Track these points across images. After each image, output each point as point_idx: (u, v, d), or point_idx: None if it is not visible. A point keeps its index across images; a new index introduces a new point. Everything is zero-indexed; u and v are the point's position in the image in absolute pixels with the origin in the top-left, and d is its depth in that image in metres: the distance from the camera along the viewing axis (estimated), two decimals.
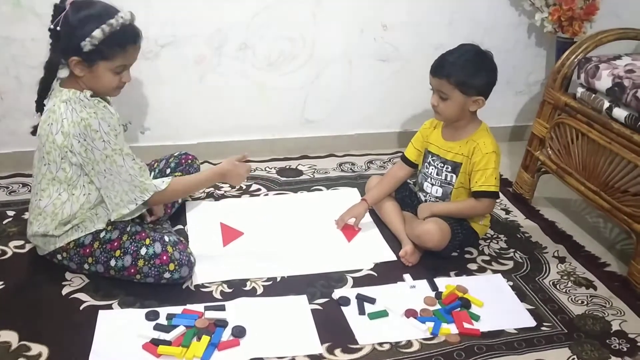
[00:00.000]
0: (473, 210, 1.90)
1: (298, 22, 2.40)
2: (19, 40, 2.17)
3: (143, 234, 1.70)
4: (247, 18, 2.34)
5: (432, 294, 1.74)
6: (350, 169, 2.52)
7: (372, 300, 1.69)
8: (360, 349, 1.53)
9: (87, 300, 1.65)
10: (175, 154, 2.11)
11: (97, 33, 1.51)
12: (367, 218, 2.08)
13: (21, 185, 2.23)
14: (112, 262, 1.67)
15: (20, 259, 1.82)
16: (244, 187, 2.31)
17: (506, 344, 1.57)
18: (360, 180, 2.36)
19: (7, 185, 2.24)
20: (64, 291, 1.68)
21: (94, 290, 1.68)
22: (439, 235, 1.82)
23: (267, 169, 2.48)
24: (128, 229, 1.72)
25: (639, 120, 1.81)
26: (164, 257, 1.66)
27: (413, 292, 1.75)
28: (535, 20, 2.52)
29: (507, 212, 2.22)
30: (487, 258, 1.94)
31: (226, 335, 1.54)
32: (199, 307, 1.63)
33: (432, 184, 1.96)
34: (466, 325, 1.62)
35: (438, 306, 1.69)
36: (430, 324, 1.61)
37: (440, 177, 1.94)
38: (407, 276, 1.82)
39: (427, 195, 1.99)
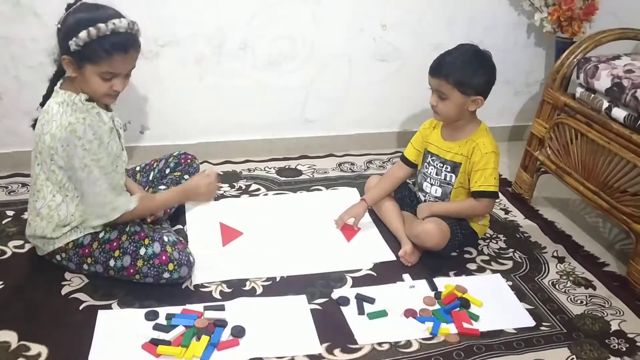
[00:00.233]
0: (472, 210, 1.90)
1: (298, 21, 2.40)
2: (18, 40, 2.17)
3: (142, 234, 1.70)
4: (247, 18, 2.34)
5: (432, 293, 1.74)
6: (350, 168, 2.52)
7: (371, 300, 1.69)
8: (359, 349, 1.53)
9: (87, 300, 1.65)
10: (175, 154, 2.11)
11: (83, 34, 1.48)
12: (367, 218, 2.08)
13: (20, 185, 2.23)
14: (112, 263, 1.67)
15: (19, 259, 1.82)
16: (244, 187, 2.31)
17: (505, 344, 1.57)
18: (360, 180, 2.36)
19: (7, 185, 2.24)
20: (64, 291, 1.68)
21: (94, 290, 1.68)
22: (439, 235, 1.82)
23: (267, 168, 2.48)
24: (127, 229, 1.72)
25: (638, 120, 1.81)
26: (163, 257, 1.66)
27: (412, 292, 1.75)
28: (534, 20, 2.52)
29: (507, 212, 2.22)
30: (487, 258, 1.94)
31: (225, 335, 1.54)
32: (198, 307, 1.63)
33: (432, 184, 1.96)
34: (465, 325, 1.62)
35: (437, 306, 1.69)
36: (430, 324, 1.61)
37: (439, 177, 1.94)
38: (406, 276, 1.82)
39: (427, 195, 1.99)
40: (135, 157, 2.41)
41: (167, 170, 2.07)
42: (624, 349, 1.57)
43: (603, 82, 1.95)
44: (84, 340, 1.50)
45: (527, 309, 1.70)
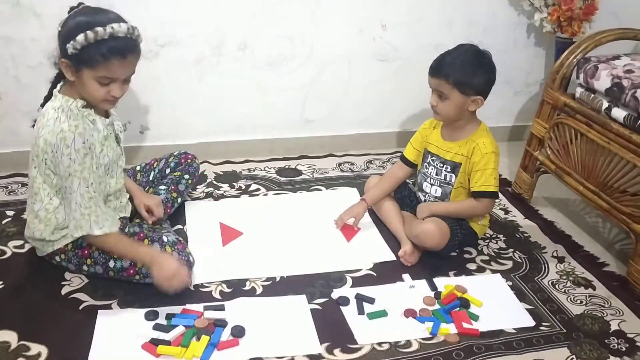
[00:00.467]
0: (472, 210, 1.90)
1: (297, 22, 2.40)
2: (18, 40, 2.17)
3: (142, 235, 1.70)
4: (247, 18, 2.34)
5: (431, 293, 1.74)
6: (350, 168, 2.52)
7: (371, 300, 1.69)
8: (359, 349, 1.53)
9: (87, 300, 1.65)
10: (175, 153, 2.11)
11: (80, 38, 1.47)
12: (367, 218, 2.08)
13: (20, 185, 2.23)
14: (111, 263, 1.67)
15: (19, 259, 1.81)
16: (244, 187, 2.31)
17: (505, 344, 1.57)
18: (360, 180, 2.36)
19: (7, 185, 2.24)
20: (64, 291, 1.68)
21: (94, 290, 1.68)
22: (438, 235, 1.82)
23: (267, 168, 2.48)
24: (127, 229, 1.72)
25: (637, 120, 1.81)
26: None
27: (412, 292, 1.75)
28: (534, 21, 2.52)
29: (506, 212, 2.22)
30: (486, 258, 1.94)
31: (225, 335, 1.54)
32: (198, 307, 1.63)
33: (432, 184, 1.96)
34: (465, 325, 1.62)
35: (437, 306, 1.70)
36: (430, 324, 1.61)
37: (439, 177, 1.94)
38: (406, 276, 1.82)
39: (427, 195, 1.99)
40: (135, 157, 2.41)
41: (167, 170, 2.07)
42: (624, 349, 1.57)
43: (603, 82, 1.95)
44: (84, 340, 1.50)
45: (527, 309, 1.70)
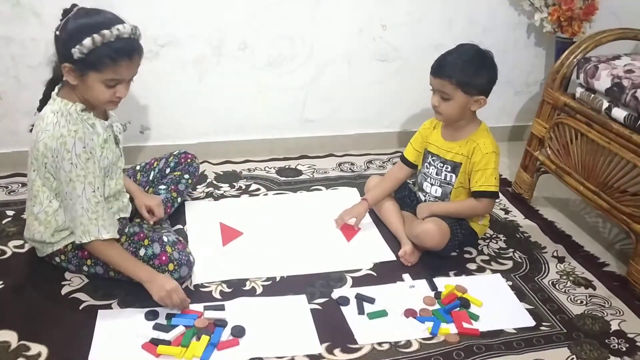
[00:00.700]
0: (472, 210, 1.90)
1: (297, 22, 2.40)
2: (18, 40, 2.16)
3: (141, 235, 1.70)
4: (247, 18, 2.34)
5: (432, 293, 1.74)
6: (350, 168, 2.52)
7: (371, 300, 1.69)
8: (359, 349, 1.53)
9: (87, 300, 1.65)
10: (175, 153, 2.10)
11: (87, 42, 1.45)
12: (367, 218, 2.08)
13: (20, 185, 2.23)
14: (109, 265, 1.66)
15: (19, 259, 1.81)
16: (244, 187, 2.31)
17: (505, 344, 1.57)
18: (360, 180, 2.36)
19: (7, 184, 2.24)
20: (64, 291, 1.68)
21: (94, 290, 1.68)
22: (438, 235, 1.82)
23: (267, 168, 2.48)
24: (126, 230, 1.72)
25: (638, 120, 1.81)
26: (163, 257, 1.66)
27: (412, 291, 1.75)
28: (534, 21, 2.52)
29: (507, 211, 2.22)
30: (487, 258, 1.94)
31: (225, 335, 1.54)
32: (198, 307, 1.63)
33: (432, 184, 1.96)
34: (465, 325, 1.62)
35: (437, 306, 1.69)
36: (430, 324, 1.61)
37: (439, 177, 1.94)
38: (406, 276, 1.82)
39: (427, 195, 1.99)
40: (136, 157, 2.41)
41: (167, 170, 2.07)
42: (624, 349, 1.57)
43: (603, 82, 1.95)
44: (84, 340, 1.50)
45: (527, 309, 1.70)
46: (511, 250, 1.98)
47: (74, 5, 1.54)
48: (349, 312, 1.65)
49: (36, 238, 1.68)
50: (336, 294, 1.72)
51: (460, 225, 1.90)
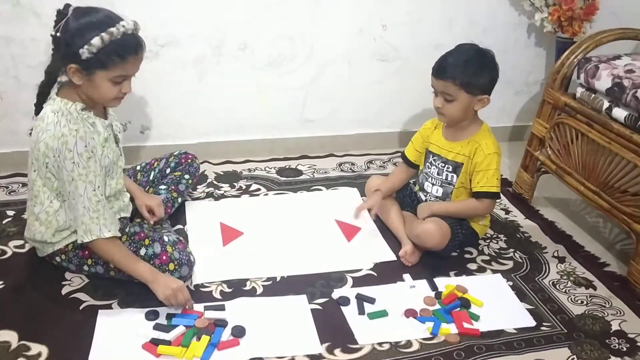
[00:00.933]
0: (473, 211, 1.90)
1: (297, 22, 2.40)
2: (18, 40, 2.16)
3: (142, 234, 1.70)
4: (247, 18, 2.34)
5: (432, 293, 1.74)
6: (350, 168, 2.52)
7: (371, 300, 1.69)
8: (359, 349, 1.53)
9: (87, 300, 1.65)
10: (175, 153, 2.10)
11: (96, 41, 1.46)
12: (367, 218, 2.08)
13: (21, 185, 2.22)
14: (112, 264, 1.66)
15: (19, 259, 1.81)
16: (244, 187, 2.31)
17: (506, 344, 1.57)
18: (360, 180, 2.36)
19: (7, 185, 2.24)
20: (64, 291, 1.68)
21: (94, 290, 1.68)
22: (439, 235, 1.82)
23: (267, 168, 2.48)
24: (127, 229, 1.72)
25: (638, 120, 1.81)
26: (164, 257, 1.66)
27: (413, 292, 1.75)
28: (535, 20, 2.52)
29: (507, 212, 2.22)
30: (487, 258, 1.94)
31: (226, 335, 1.54)
32: (198, 307, 1.63)
33: (433, 184, 1.96)
34: (466, 325, 1.62)
35: (438, 306, 1.69)
36: (430, 324, 1.61)
37: (440, 177, 1.94)
38: (406, 276, 1.82)
39: (428, 195, 1.98)
40: (136, 157, 2.41)
41: (168, 170, 2.07)
42: (625, 349, 1.57)
43: (603, 82, 1.95)
44: (85, 340, 1.50)
45: (528, 309, 1.70)
46: (512, 250, 1.98)
47: (67, 6, 1.53)
48: (350, 312, 1.65)
49: (37, 238, 1.68)
50: (336, 294, 1.72)
51: (461, 225, 1.90)
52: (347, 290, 1.74)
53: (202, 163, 2.24)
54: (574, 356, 1.55)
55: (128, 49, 1.51)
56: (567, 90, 2.17)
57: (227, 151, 2.53)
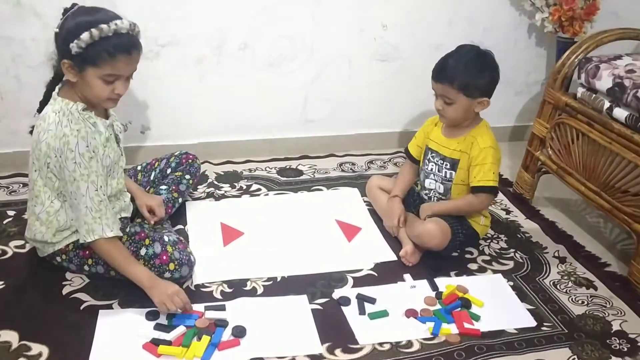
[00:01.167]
0: (470, 206, 1.89)
1: (298, 22, 2.40)
2: (19, 40, 2.16)
3: (142, 234, 1.70)
4: (247, 18, 2.34)
5: (433, 294, 1.74)
6: (351, 169, 2.52)
7: (372, 300, 1.69)
8: (360, 349, 1.53)
9: (88, 300, 1.65)
10: (176, 153, 2.10)
11: (85, 36, 1.46)
12: (367, 218, 2.08)
13: (21, 185, 2.22)
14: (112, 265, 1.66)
15: (20, 259, 1.81)
16: (245, 187, 2.31)
17: (506, 344, 1.57)
18: (361, 180, 2.36)
19: (8, 185, 2.24)
20: (64, 291, 1.68)
21: (94, 290, 1.68)
22: (440, 235, 1.81)
23: (268, 169, 2.48)
24: (127, 229, 1.72)
25: (639, 120, 1.81)
26: (164, 257, 1.66)
27: (413, 292, 1.75)
28: (535, 20, 2.52)
29: (508, 212, 2.22)
30: (488, 258, 1.94)
31: (226, 335, 1.54)
32: (199, 307, 1.62)
33: (435, 180, 1.96)
34: (466, 325, 1.62)
35: (438, 306, 1.69)
36: (431, 324, 1.61)
37: (440, 174, 1.94)
38: (407, 276, 1.82)
39: (431, 192, 1.98)
40: (136, 157, 2.41)
41: (169, 170, 2.07)
42: (625, 350, 1.57)
43: (604, 82, 1.94)
44: (85, 340, 1.50)
45: (528, 309, 1.70)
46: (512, 250, 1.98)
47: (74, 5, 1.55)
48: (350, 312, 1.65)
49: (37, 238, 1.68)
50: (337, 294, 1.72)
51: (462, 225, 1.90)
52: (348, 291, 1.74)
53: (202, 163, 2.24)
54: (575, 356, 1.55)
55: (119, 47, 1.50)
56: (567, 90, 2.17)
57: (228, 151, 2.53)
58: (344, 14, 2.43)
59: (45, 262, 1.75)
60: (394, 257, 1.90)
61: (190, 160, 2.09)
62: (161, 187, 2.01)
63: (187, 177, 2.06)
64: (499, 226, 2.11)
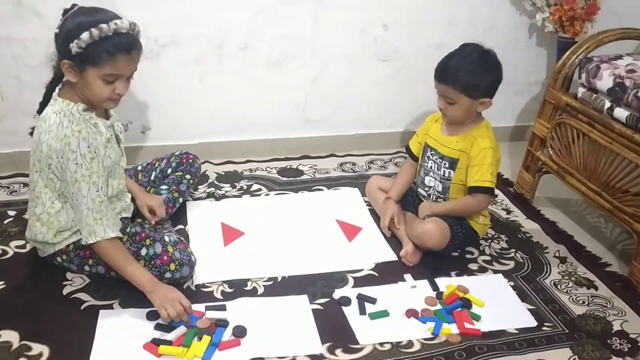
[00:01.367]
0: (467, 207, 1.89)
1: (298, 21, 2.40)
2: (19, 40, 2.16)
3: (143, 235, 1.70)
4: (248, 18, 2.34)
5: (433, 294, 1.74)
6: (351, 169, 2.52)
7: (373, 300, 1.69)
8: (361, 349, 1.53)
9: (88, 300, 1.65)
10: (177, 153, 2.10)
11: (85, 36, 1.45)
12: (368, 218, 2.08)
13: (22, 185, 2.22)
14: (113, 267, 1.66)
15: (21, 259, 1.81)
16: (245, 187, 2.31)
17: (507, 344, 1.57)
18: (361, 180, 2.36)
19: (8, 185, 2.24)
20: (65, 291, 1.68)
21: (95, 290, 1.68)
22: (439, 234, 1.81)
23: (268, 169, 2.48)
24: (128, 230, 1.72)
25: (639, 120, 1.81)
26: (165, 257, 1.66)
27: (414, 292, 1.75)
28: (536, 20, 2.52)
29: (508, 212, 2.22)
30: (488, 258, 1.94)
31: (227, 335, 1.54)
32: (199, 307, 1.62)
33: (434, 178, 1.96)
34: (467, 325, 1.62)
35: (439, 306, 1.69)
36: (431, 324, 1.61)
37: (439, 173, 1.93)
38: (407, 276, 1.82)
39: (430, 190, 1.97)
40: (137, 157, 2.41)
41: (169, 170, 2.07)
42: (626, 350, 1.57)
43: (605, 82, 1.94)
44: (86, 340, 1.51)
45: (529, 309, 1.70)
46: (513, 250, 1.98)
47: (74, 5, 1.55)
48: (351, 312, 1.65)
49: (38, 239, 1.68)
50: (338, 294, 1.72)
51: (461, 225, 1.90)
52: (348, 291, 1.74)
53: (203, 163, 2.24)
54: (576, 356, 1.54)
55: (119, 47, 1.49)
56: (568, 90, 2.17)
57: (228, 151, 2.53)
58: (344, 14, 2.43)
59: (46, 262, 1.75)
60: (394, 257, 1.90)
61: (190, 160, 2.09)
62: (162, 187, 2.01)
63: (188, 177, 2.06)
64: (500, 226, 2.11)
